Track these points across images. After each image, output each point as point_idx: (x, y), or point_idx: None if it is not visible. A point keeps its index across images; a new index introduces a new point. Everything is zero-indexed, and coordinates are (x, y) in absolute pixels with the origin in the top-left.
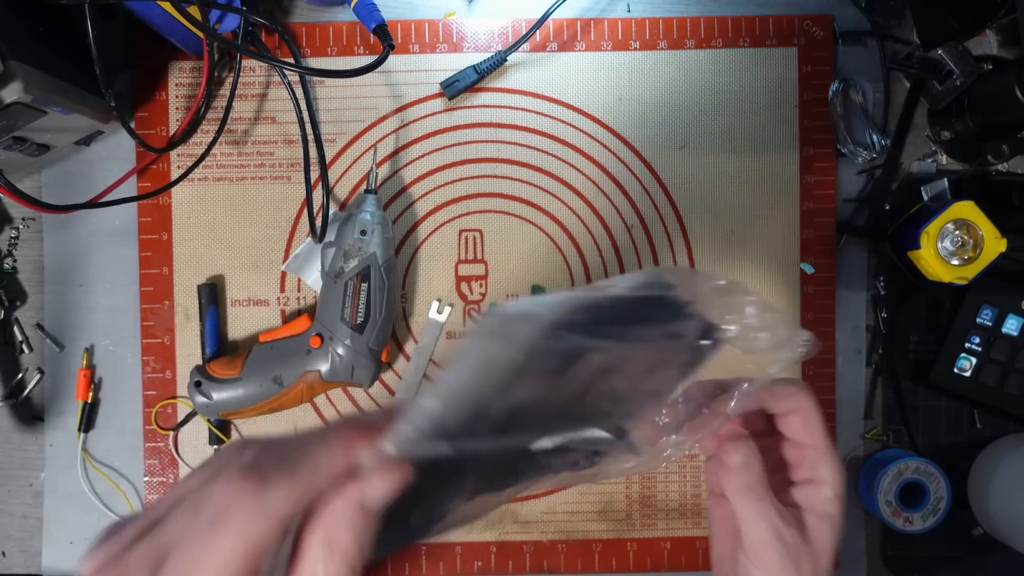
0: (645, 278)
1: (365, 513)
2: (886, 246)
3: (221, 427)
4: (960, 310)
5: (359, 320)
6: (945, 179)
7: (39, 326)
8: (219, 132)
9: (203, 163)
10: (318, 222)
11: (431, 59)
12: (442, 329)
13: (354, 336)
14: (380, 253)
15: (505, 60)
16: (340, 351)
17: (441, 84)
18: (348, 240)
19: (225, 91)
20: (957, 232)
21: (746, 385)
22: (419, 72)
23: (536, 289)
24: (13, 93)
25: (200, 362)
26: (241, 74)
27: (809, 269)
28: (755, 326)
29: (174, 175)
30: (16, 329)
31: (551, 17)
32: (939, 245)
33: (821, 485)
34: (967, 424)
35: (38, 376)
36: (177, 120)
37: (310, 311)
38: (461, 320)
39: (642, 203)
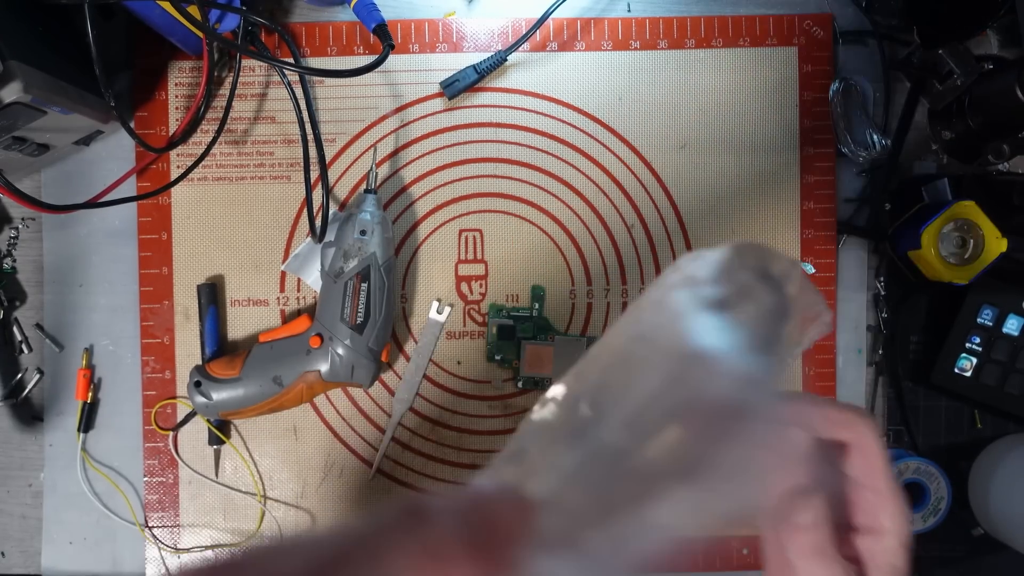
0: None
1: None
2: (886, 246)
3: (221, 427)
4: (960, 310)
5: (359, 320)
6: (946, 179)
7: (39, 326)
8: (219, 132)
9: (203, 163)
10: (318, 222)
11: (431, 59)
12: (442, 329)
13: (354, 336)
14: (380, 253)
15: (505, 60)
16: (340, 351)
17: (441, 84)
18: (348, 240)
19: (225, 91)
20: (957, 232)
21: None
22: (419, 72)
23: (536, 289)
24: (13, 93)
25: (200, 362)
26: (241, 74)
27: (810, 269)
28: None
29: (174, 175)
30: (16, 329)
31: (551, 17)
32: (939, 245)
33: (883, 535)
34: (967, 424)
35: (38, 376)
36: (177, 120)
37: (310, 311)
38: (461, 320)
39: (642, 203)
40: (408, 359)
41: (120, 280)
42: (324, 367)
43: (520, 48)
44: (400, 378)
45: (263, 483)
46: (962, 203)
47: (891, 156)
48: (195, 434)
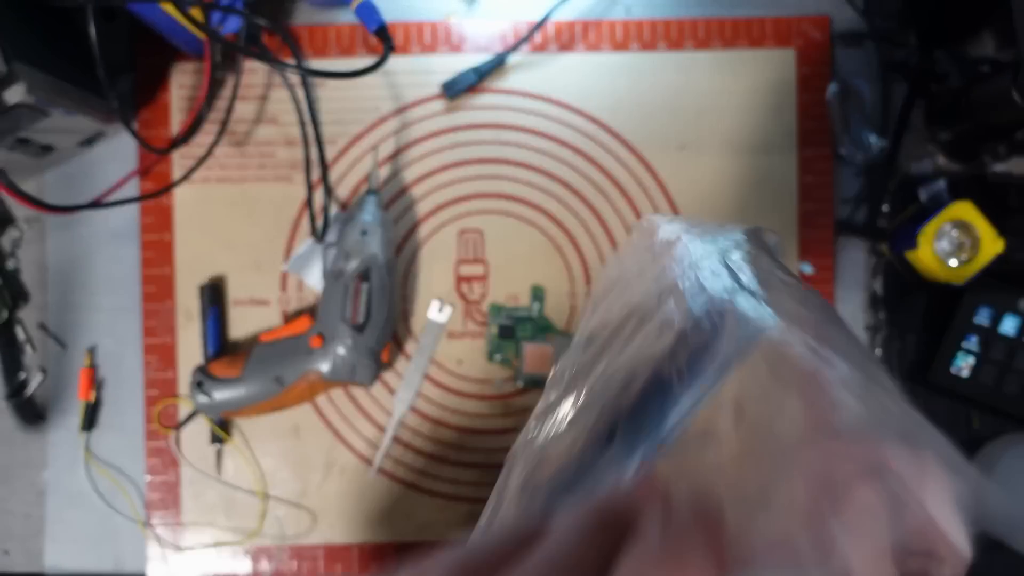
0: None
1: None
2: (884, 246)
3: (222, 426)
4: (957, 310)
5: (360, 320)
6: (943, 180)
7: (42, 326)
8: (221, 133)
9: (205, 164)
10: (319, 222)
11: (432, 61)
12: (442, 329)
13: (355, 336)
14: (381, 253)
15: (505, 62)
16: (341, 351)
17: (442, 85)
18: (349, 240)
19: (227, 93)
20: (955, 232)
21: None
22: (420, 74)
23: (536, 289)
24: (17, 95)
25: (202, 362)
26: (243, 75)
27: (808, 269)
28: None
29: (176, 176)
30: (19, 329)
31: (551, 19)
32: (936, 245)
33: (938, 562)
34: (965, 424)
35: (41, 376)
36: (179, 121)
37: (311, 311)
38: (461, 320)
39: (642, 204)
40: (409, 359)
41: (123, 280)
42: (325, 367)
43: (520, 50)
44: (401, 378)
45: (265, 482)
46: (959, 204)
47: (888, 157)
48: (197, 433)
